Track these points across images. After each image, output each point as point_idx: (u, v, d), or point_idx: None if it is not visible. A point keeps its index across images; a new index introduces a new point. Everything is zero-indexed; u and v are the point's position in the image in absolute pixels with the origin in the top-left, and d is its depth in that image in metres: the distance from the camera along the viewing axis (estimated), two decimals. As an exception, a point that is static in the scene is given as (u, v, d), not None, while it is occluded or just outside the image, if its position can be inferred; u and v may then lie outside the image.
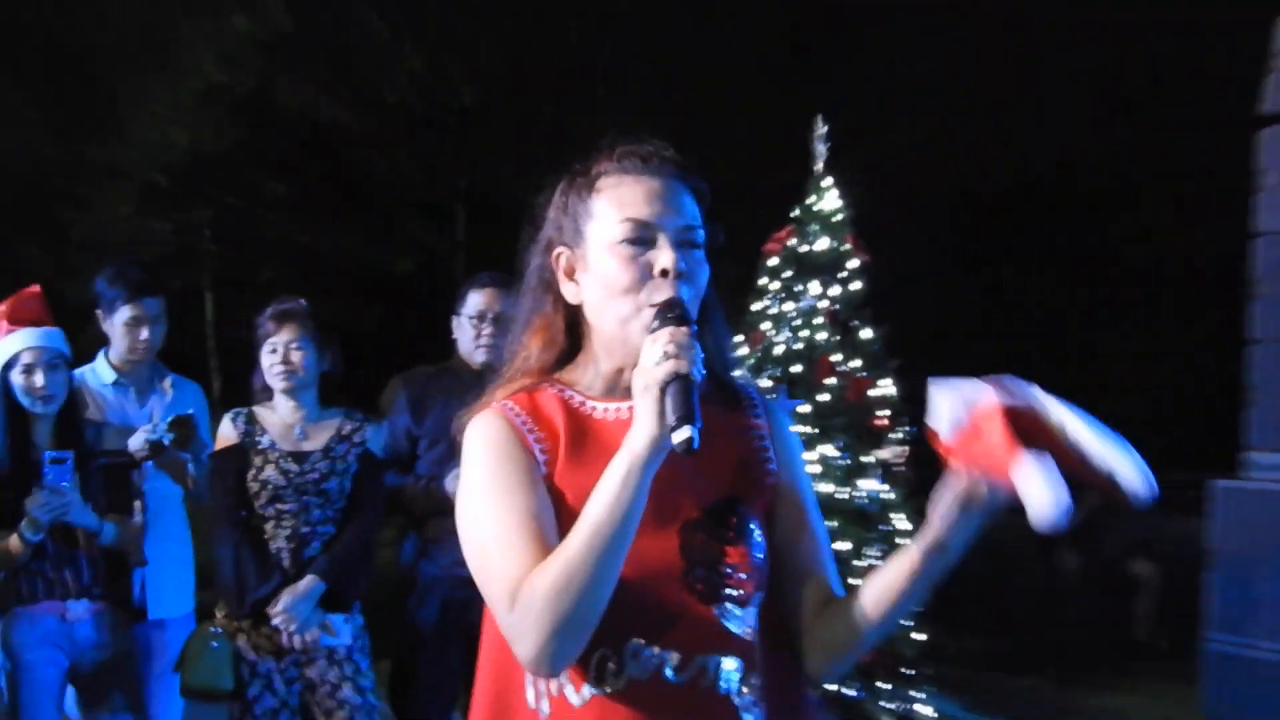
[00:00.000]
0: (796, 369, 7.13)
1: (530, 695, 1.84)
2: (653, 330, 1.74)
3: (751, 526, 1.89)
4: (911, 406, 7.22)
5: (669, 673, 1.78)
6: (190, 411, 4.79)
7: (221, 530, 4.50)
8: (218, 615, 4.54)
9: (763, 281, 7.57)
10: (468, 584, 4.68)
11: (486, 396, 1.98)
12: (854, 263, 7.28)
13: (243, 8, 16.48)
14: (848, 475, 6.87)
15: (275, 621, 4.40)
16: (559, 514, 1.82)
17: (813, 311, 7.21)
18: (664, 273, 1.81)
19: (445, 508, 4.45)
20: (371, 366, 5.21)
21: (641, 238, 1.84)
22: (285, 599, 4.36)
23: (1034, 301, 14.00)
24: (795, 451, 2.04)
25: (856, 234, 7.36)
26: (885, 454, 6.93)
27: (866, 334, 7.16)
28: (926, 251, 12.80)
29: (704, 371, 1.73)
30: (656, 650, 1.78)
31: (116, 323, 4.83)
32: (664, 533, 1.81)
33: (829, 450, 6.96)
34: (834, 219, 7.26)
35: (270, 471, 4.47)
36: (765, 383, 7.30)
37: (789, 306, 7.27)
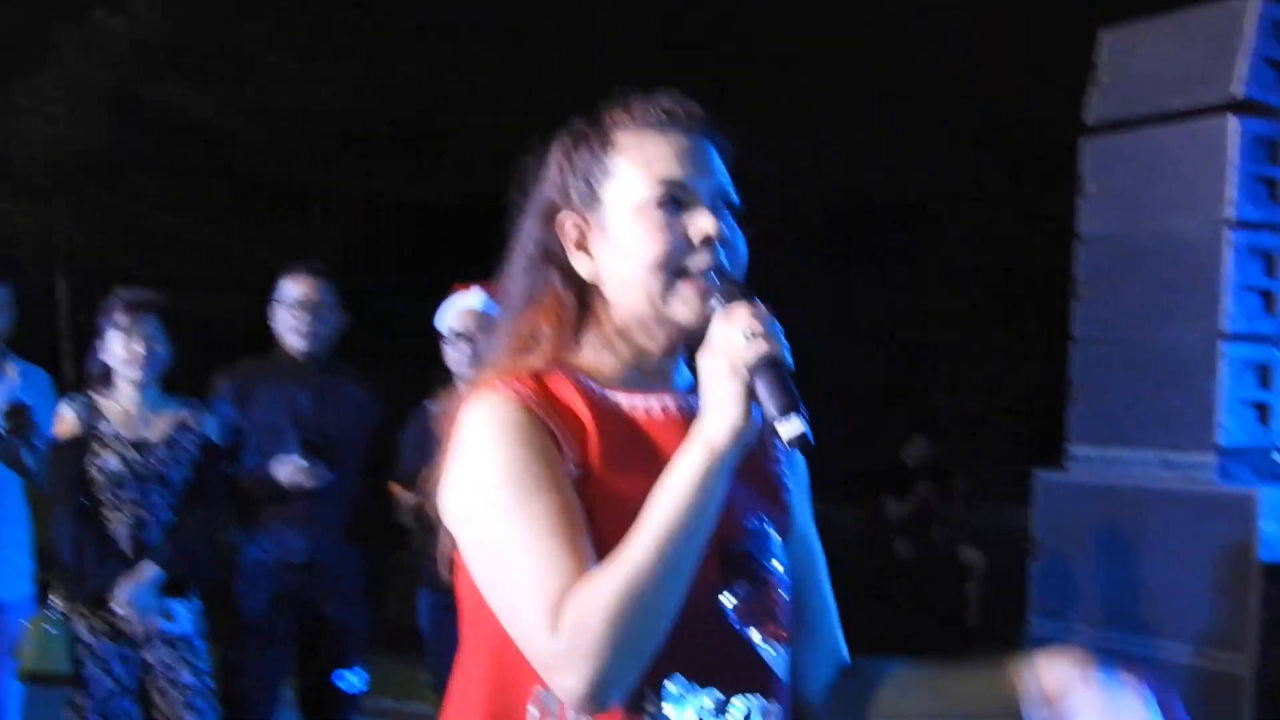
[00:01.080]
0: None
1: None
2: (717, 305, 1.53)
3: (780, 550, 1.69)
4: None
5: (707, 714, 1.57)
6: (24, 400, 4.91)
7: (61, 516, 4.56)
8: (56, 599, 4.60)
9: None
10: (299, 571, 4.77)
11: (479, 379, 1.65)
12: None
13: (113, 8, 16.36)
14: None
15: (116, 608, 4.47)
16: (595, 529, 1.53)
17: None
18: (706, 240, 1.57)
19: (275, 495, 4.84)
20: (239, 357, 5.37)
21: (675, 199, 1.59)
22: (126, 586, 4.43)
23: (880, 306, 14.61)
24: (805, 482, 1.82)
25: None
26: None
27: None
28: (784, 262, 13.42)
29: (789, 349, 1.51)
30: (696, 688, 1.57)
31: None
32: (707, 552, 1.55)
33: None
34: None
35: (111, 459, 4.54)
36: None
37: None
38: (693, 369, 1.63)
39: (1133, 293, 6.45)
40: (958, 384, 12.96)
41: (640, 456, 1.58)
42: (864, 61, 15.06)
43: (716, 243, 1.57)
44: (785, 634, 1.64)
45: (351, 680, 5.36)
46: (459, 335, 4.93)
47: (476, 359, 4.84)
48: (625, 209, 1.60)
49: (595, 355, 1.65)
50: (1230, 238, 6.23)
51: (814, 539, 1.80)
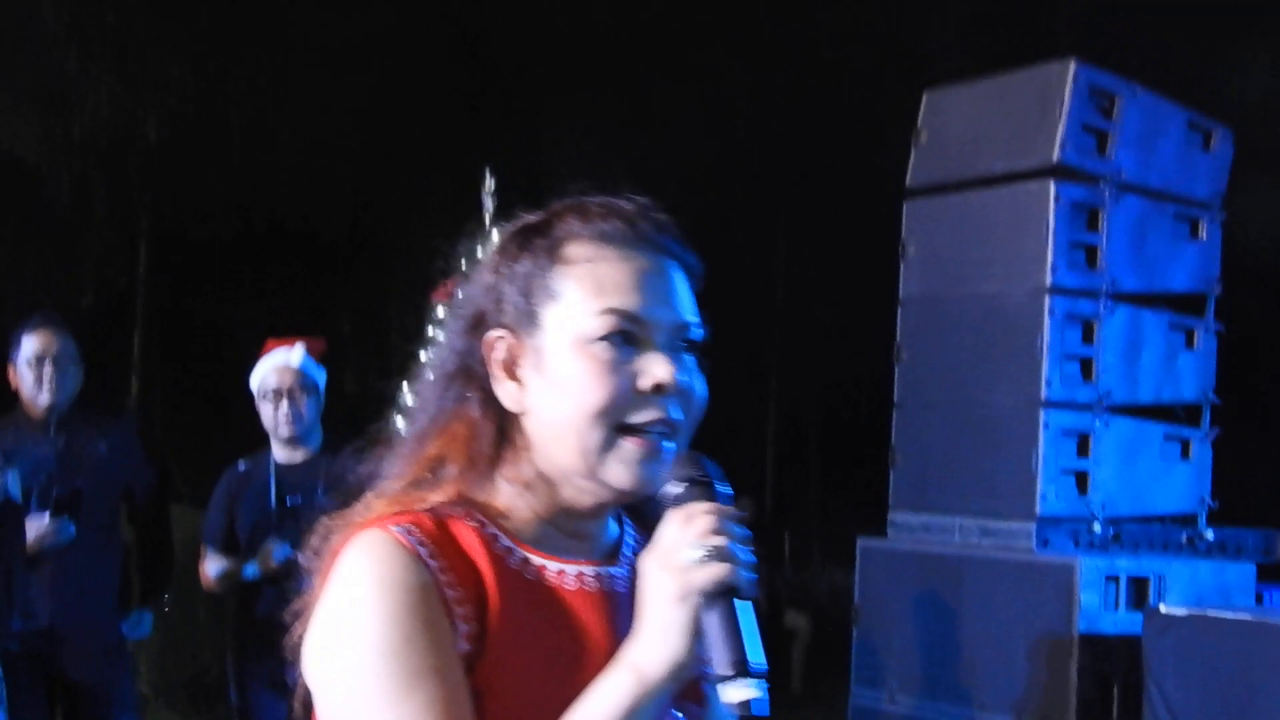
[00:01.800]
0: None
1: None
2: (679, 498, 1.29)
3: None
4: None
5: None
6: None
7: None
8: None
9: (431, 331, 7.82)
10: (42, 636, 4.69)
11: (366, 509, 1.40)
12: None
13: None
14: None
15: None
16: (480, 707, 1.31)
17: None
18: (658, 388, 1.33)
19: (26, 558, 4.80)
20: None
21: (627, 335, 1.34)
22: None
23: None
24: None
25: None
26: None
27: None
28: None
29: (756, 577, 1.27)
30: None
31: None
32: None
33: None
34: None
35: None
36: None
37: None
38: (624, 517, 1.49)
39: (953, 358, 6.46)
40: (789, 446, 13.13)
41: (543, 630, 1.35)
42: (684, 115, 15.66)
43: (671, 393, 1.33)
44: None
45: None
46: (275, 393, 4.83)
47: (294, 418, 4.86)
48: (566, 339, 1.34)
49: (508, 501, 1.40)
50: (1049, 304, 6.25)
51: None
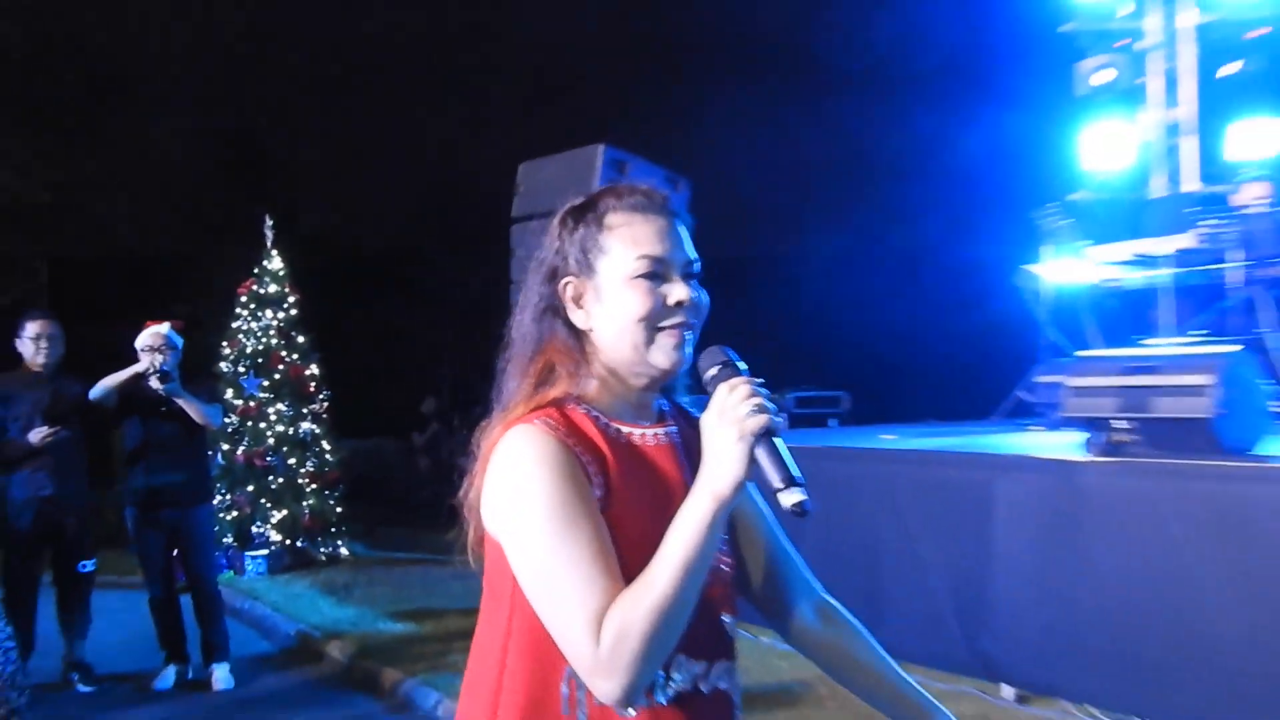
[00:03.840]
0: (260, 361, 10.57)
1: (564, 706, 1.58)
2: (717, 376, 1.54)
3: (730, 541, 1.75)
4: (328, 383, 10.54)
5: (699, 680, 1.63)
6: None
7: None
8: None
9: (239, 310, 10.75)
10: (47, 501, 6.46)
11: (509, 412, 1.66)
12: (292, 298, 10.92)
13: None
14: (293, 420, 10.35)
15: None
16: (616, 543, 1.55)
17: (267, 328, 10.92)
18: (679, 304, 1.63)
19: (32, 453, 6.20)
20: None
21: (656, 272, 1.64)
22: None
23: (408, 329, 17.14)
24: None
25: (292, 280, 10.95)
26: (315, 408, 10.13)
27: (300, 339, 10.65)
28: (338, 291, 15.97)
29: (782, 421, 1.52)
30: (693, 662, 1.63)
31: None
32: None
33: (281, 407, 10.36)
34: (279, 272, 10.86)
35: None
36: (241, 369, 10.51)
37: (254, 324, 11.03)
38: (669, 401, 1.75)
39: None
40: (458, 368, 14.94)
41: (644, 478, 1.64)
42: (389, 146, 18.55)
43: (687, 306, 1.63)
44: (736, 610, 1.73)
45: (87, 565, 6.59)
46: (150, 349, 6.28)
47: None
48: (618, 278, 1.64)
49: (594, 391, 1.68)
50: None
51: (763, 510, 1.85)
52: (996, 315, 10.14)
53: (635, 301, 1.63)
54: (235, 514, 10.12)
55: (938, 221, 16.37)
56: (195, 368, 6.88)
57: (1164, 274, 8.50)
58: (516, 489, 1.55)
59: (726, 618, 1.69)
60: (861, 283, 14.15)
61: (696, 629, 1.55)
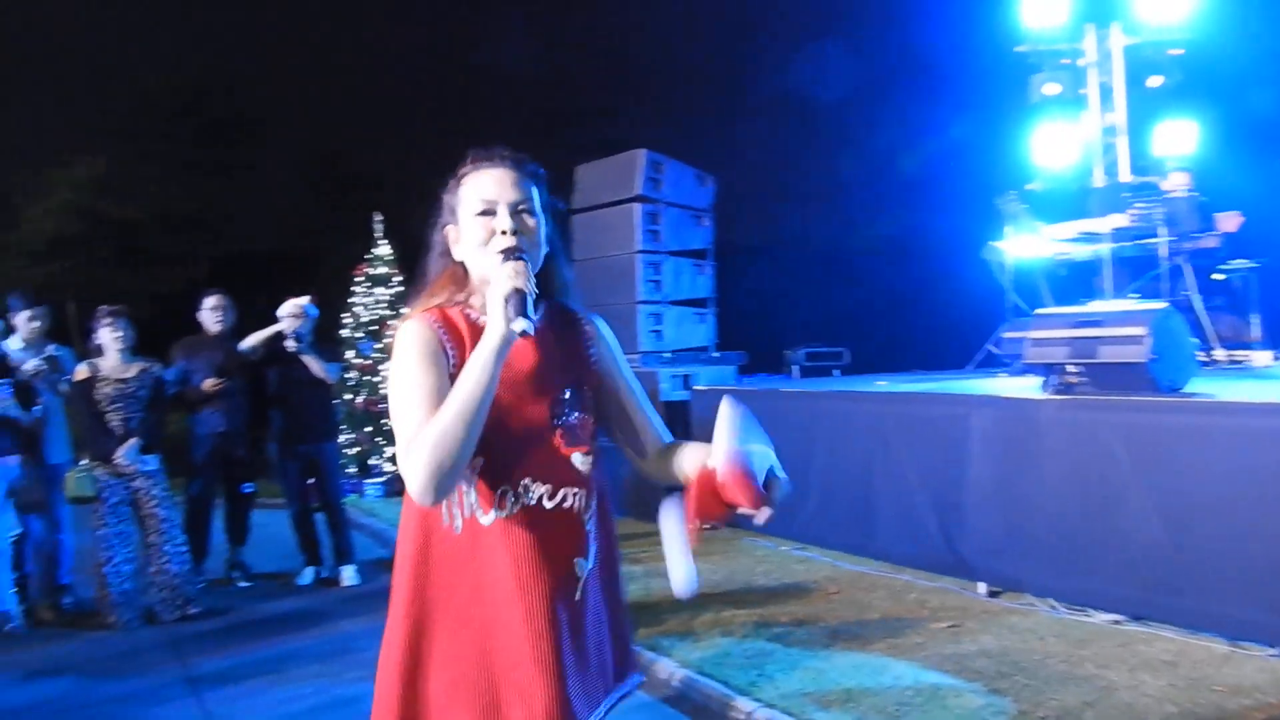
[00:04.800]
0: (373, 328, 10.52)
1: (446, 517, 1.67)
2: (501, 264, 1.65)
3: (589, 400, 1.77)
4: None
5: (545, 501, 1.68)
6: (56, 354, 6.03)
7: (84, 417, 5.58)
8: (84, 460, 5.60)
9: (355, 288, 10.75)
10: (220, 436, 6.58)
11: (410, 310, 1.79)
12: (398, 277, 10.77)
13: None
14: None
15: (117, 461, 5.49)
16: None
17: (378, 301, 10.94)
18: (502, 232, 1.69)
19: (208, 398, 6.32)
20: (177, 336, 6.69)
21: (487, 210, 1.71)
22: (121, 449, 5.50)
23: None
24: (615, 351, 1.86)
25: (400, 263, 10.77)
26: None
27: (404, 310, 10.69)
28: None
29: (536, 291, 1.64)
30: (538, 485, 1.68)
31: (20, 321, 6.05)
32: (540, 403, 1.70)
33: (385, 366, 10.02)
34: (387, 257, 10.70)
35: (107, 388, 5.58)
36: (359, 335, 10.48)
37: (367, 299, 10.86)
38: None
39: (596, 282, 8.31)
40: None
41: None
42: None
43: (510, 232, 1.69)
44: (590, 446, 1.75)
45: (248, 487, 6.71)
46: (289, 316, 6.35)
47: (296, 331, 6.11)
48: (467, 218, 1.73)
49: (475, 298, 1.76)
50: (639, 258, 8.49)
51: (627, 382, 1.86)
52: (968, 284, 10.13)
53: (474, 233, 1.72)
54: (357, 449, 10.19)
55: (919, 209, 16.32)
56: (322, 335, 6.96)
57: (1105, 248, 8.44)
58: (393, 358, 1.69)
59: (578, 458, 1.72)
60: (859, 260, 14.20)
61: (539, 459, 1.67)
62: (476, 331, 1.70)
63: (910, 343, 12.74)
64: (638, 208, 8.46)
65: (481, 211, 1.72)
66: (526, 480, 1.67)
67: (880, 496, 5.90)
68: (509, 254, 1.66)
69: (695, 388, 7.85)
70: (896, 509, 5.78)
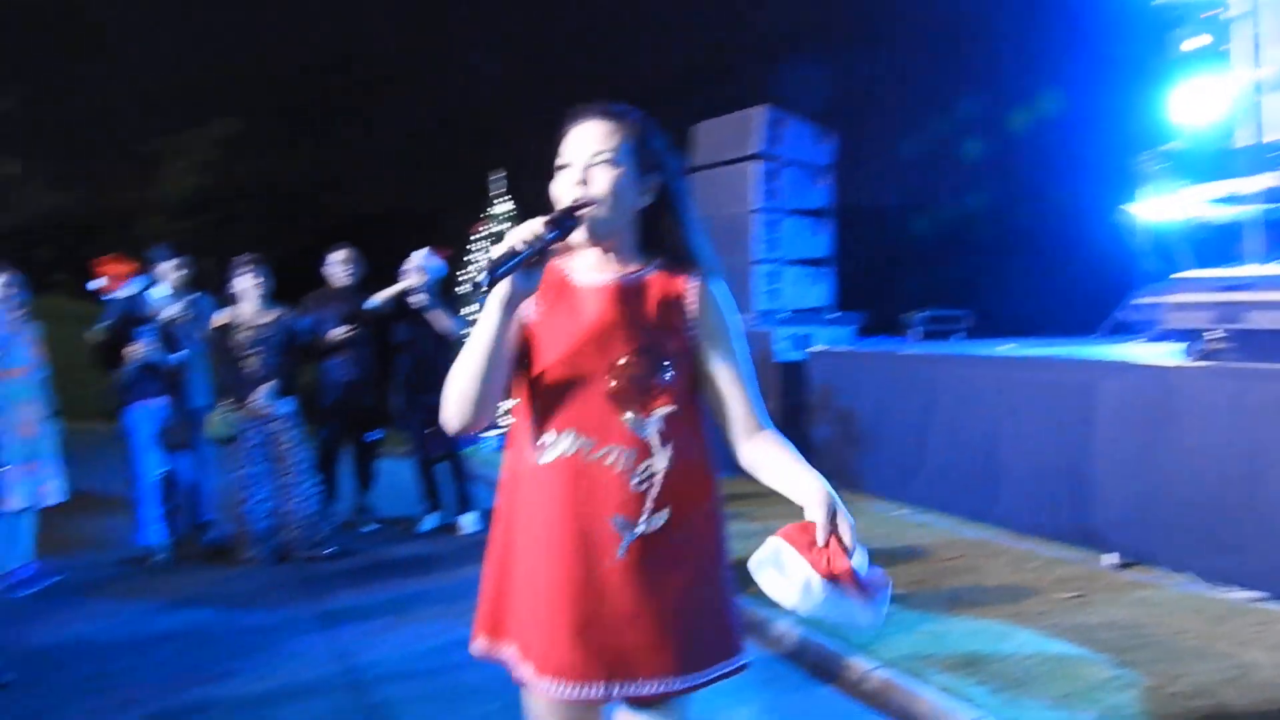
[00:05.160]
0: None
1: (529, 453, 1.74)
2: (527, 222, 1.64)
3: (664, 365, 1.71)
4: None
5: (586, 454, 1.69)
6: (199, 301, 6.25)
7: (223, 362, 5.78)
8: (224, 402, 5.88)
9: (471, 245, 10.85)
10: (347, 386, 6.66)
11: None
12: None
13: None
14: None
15: (254, 402, 5.67)
16: (539, 345, 1.73)
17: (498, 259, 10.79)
18: (569, 188, 1.71)
19: (335, 348, 6.42)
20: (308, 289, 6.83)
21: (563, 166, 1.73)
22: (258, 392, 5.69)
23: None
24: (725, 327, 1.77)
25: (519, 219, 10.69)
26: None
27: None
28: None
29: (532, 249, 1.62)
30: (581, 437, 1.69)
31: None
32: (600, 359, 1.70)
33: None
34: (505, 216, 10.62)
35: (244, 334, 5.73)
36: (478, 291, 10.44)
37: (485, 256, 10.74)
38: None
39: (718, 240, 8.37)
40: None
41: (567, 309, 1.74)
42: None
43: (575, 190, 1.69)
44: (648, 409, 1.70)
45: (375, 435, 6.87)
46: (414, 269, 6.47)
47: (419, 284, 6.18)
48: (557, 175, 1.75)
49: (577, 255, 1.78)
50: (757, 217, 8.45)
51: (727, 362, 1.76)
52: (1098, 248, 9.77)
53: (556, 191, 1.74)
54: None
55: (1050, 169, 15.75)
56: (444, 290, 6.98)
57: (1250, 210, 7.98)
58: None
59: (629, 415, 1.70)
60: (984, 222, 13.82)
61: (586, 412, 1.69)
62: (565, 288, 1.75)
63: (1035, 308, 12.32)
64: (756, 165, 8.38)
65: (558, 167, 1.74)
66: (571, 430, 1.70)
67: (1004, 462, 5.75)
68: (566, 213, 1.67)
69: (812, 349, 7.78)
70: (1021, 475, 5.63)
